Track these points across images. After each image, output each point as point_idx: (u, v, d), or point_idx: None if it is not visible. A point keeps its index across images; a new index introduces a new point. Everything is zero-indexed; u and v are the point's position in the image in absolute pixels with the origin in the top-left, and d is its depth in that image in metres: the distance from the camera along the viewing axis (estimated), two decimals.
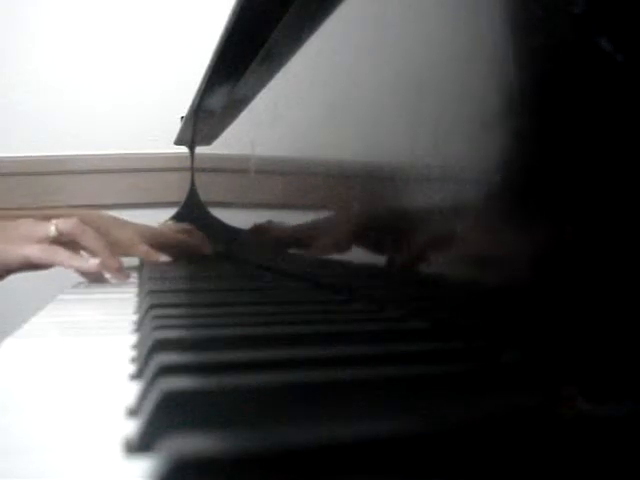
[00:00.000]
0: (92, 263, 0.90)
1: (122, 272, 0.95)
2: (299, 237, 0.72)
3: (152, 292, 0.64)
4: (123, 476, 0.23)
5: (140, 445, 0.25)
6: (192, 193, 1.63)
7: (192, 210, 1.57)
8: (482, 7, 0.34)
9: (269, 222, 0.87)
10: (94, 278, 0.95)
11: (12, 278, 0.93)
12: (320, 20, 0.63)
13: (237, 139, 1.10)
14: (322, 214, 0.64)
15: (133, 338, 0.49)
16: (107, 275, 0.95)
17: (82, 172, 1.70)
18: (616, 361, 0.25)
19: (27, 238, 0.90)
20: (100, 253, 0.92)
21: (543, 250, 0.29)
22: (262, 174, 0.91)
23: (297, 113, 0.73)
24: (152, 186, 1.70)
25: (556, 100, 0.28)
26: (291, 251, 0.77)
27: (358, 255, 0.55)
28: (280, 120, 0.80)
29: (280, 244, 0.81)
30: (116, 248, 1.00)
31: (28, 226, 0.92)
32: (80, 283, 0.98)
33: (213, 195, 1.43)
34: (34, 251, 0.88)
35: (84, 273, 0.94)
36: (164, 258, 1.07)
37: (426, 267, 0.42)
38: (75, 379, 0.38)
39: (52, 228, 0.90)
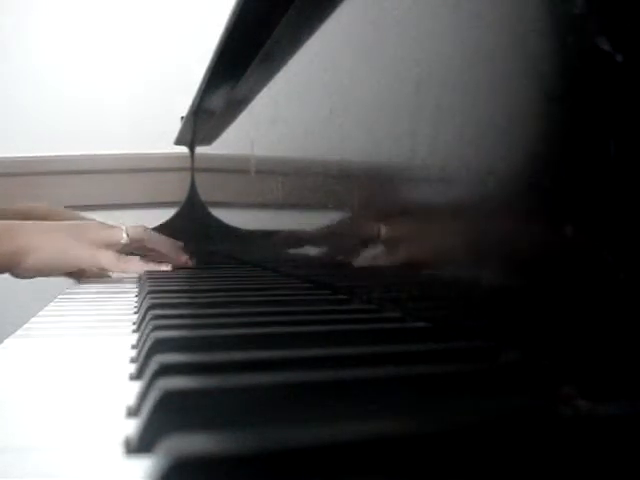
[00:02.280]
0: (164, 269, 0.94)
1: (190, 262, 0.99)
2: (302, 237, 0.72)
3: (152, 292, 0.64)
4: (123, 476, 0.23)
5: (140, 445, 0.25)
6: (192, 193, 1.63)
7: (192, 210, 1.58)
8: (482, 8, 0.34)
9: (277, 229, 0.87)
10: None
11: (12, 277, 0.93)
12: (320, 20, 0.63)
13: (237, 139, 1.10)
14: (322, 214, 0.64)
15: (133, 338, 0.49)
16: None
17: (81, 172, 1.70)
18: (616, 361, 0.25)
19: (99, 243, 0.92)
20: (169, 254, 0.97)
21: (543, 250, 0.29)
22: (262, 174, 0.91)
23: (297, 113, 0.73)
24: (152, 186, 1.70)
25: (555, 100, 0.28)
26: (291, 251, 0.77)
27: (358, 255, 0.55)
28: (280, 120, 0.80)
29: (282, 244, 0.81)
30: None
31: (100, 231, 0.93)
32: (80, 283, 0.98)
33: (213, 195, 1.43)
34: (105, 258, 0.91)
35: None
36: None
37: (427, 266, 0.42)
38: (75, 379, 0.38)
39: (124, 235, 0.93)
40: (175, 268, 0.96)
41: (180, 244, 1.02)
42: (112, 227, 0.95)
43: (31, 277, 0.93)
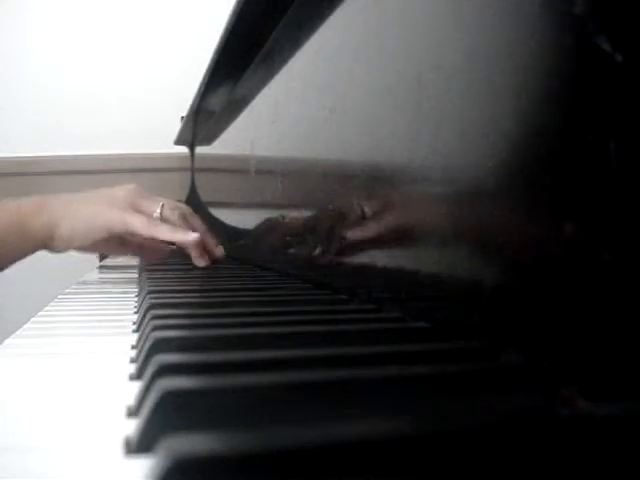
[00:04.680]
0: (194, 237, 0.89)
1: (220, 255, 0.95)
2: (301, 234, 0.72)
3: (152, 292, 0.64)
4: (123, 476, 0.23)
5: (140, 445, 0.25)
6: (192, 193, 1.63)
7: (192, 210, 1.57)
8: (482, 7, 0.34)
9: (270, 221, 0.87)
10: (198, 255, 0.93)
11: (12, 278, 0.93)
12: (320, 20, 0.63)
13: (237, 139, 1.10)
14: (322, 214, 0.64)
15: (133, 338, 0.49)
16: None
17: (81, 172, 1.70)
18: (616, 361, 0.25)
19: (132, 207, 0.89)
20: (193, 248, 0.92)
21: (543, 249, 0.29)
22: (262, 174, 0.91)
23: (297, 113, 0.73)
24: (152, 186, 1.70)
25: (555, 100, 0.28)
26: (291, 251, 0.77)
27: (358, 254, 0.55)
28: (280, 120, 0.80)
29: (282, 243, 0.81)
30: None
31: (134, 195, 0.90)
32: (80, 283, 0.99)
33: (213, 195, 1.43)
34: (136, 221, 0.88)
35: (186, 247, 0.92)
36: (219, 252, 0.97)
37: (428, 266, 0.42)
38: (75, 379, 0.38)
39: (158, 211, 0.90)
40: (200, 247, 0.91)
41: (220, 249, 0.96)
42: (150, 198, 0.92)
43: (65, 248, 0.91)
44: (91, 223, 0.89)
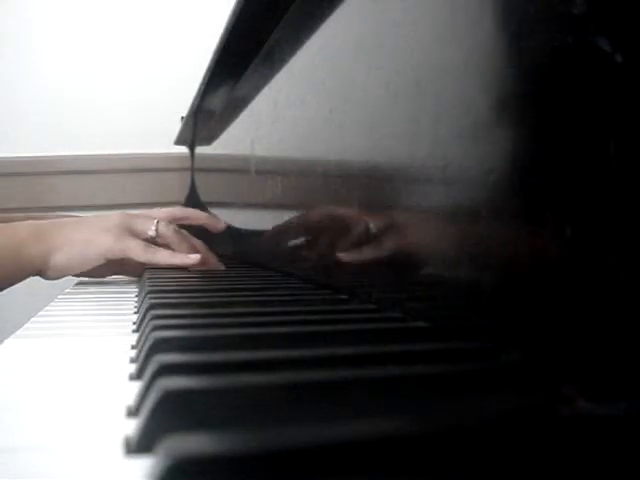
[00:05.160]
0: (193, 259, 0.89)
1: (219, 265, 0.95)
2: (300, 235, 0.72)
3: (152, 292, 0.64)
4: (123, 476, 0.23)
5: (140, 445, 0.25)
6: (192, 193, 1.63)
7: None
8: (482, 8, 0.34)
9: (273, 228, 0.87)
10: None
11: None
12: (320, 20, 0.63)
13: (237, 139, 1.10)
14: (322, 214, 0.64)
15: (133, 338, 0.49)
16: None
17: (81, 172, 1.70)
18: (616, 361, 0.25)
19: (127, 231, 0.89)
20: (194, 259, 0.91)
21: (543, 250, 0.29)
22: (262, 174, 0.91)
23: (297, 113, 0.73)
24: (152, 186, 1.70)
25: (555, 100, 0.28)
26: (291, 251, 0.77)
27: (358, 254, 0.55)
28: (280, 120, 0.80)
29: (282, 244, 0.81)
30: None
31: (128, 219, 0.90)
32: (80, 283, 0.99)
33: (213, 195, 1.43)
34: (134, 248, 0.88)
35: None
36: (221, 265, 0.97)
37: (428, 266, 0.42)
38: (75, 379, 0.38)
39: (152, 228, 0.90)
40: (201, 266, 0.91)
41: (213, 256, 0.97)
42: (143, 216, 0.92)
43: (61, 276, 0.90)
44: (87, 252, 0.88)
